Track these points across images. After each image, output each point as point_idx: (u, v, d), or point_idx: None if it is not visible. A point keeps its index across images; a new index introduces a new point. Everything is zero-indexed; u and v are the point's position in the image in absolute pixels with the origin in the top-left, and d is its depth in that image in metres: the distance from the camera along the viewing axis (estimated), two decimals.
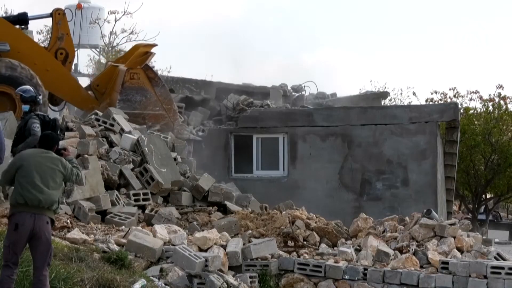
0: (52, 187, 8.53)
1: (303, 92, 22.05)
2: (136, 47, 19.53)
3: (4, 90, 16.85)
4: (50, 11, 18.35)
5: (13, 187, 8.69)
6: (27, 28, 18.45)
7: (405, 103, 31.04)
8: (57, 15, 18.23)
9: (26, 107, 12.19)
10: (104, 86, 18.72)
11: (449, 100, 28.02)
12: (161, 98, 18.51)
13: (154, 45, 19.83)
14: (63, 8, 18.62)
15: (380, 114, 18.18)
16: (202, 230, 13.34)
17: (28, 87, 12.75)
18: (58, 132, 12.57)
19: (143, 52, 19.01)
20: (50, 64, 17.98)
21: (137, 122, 18.11)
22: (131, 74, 18.23)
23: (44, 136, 8.98)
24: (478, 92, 28.06)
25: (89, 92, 19.01)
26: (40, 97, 12.37)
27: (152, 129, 18.06)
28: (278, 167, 18.70)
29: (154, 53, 19.41)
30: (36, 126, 11.79)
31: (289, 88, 22.28)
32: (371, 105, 20.54)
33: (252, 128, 18.75)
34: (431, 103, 27.49)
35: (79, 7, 31.03)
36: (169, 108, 18.63)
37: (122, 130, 17.01)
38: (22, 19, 18.16)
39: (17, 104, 16.86)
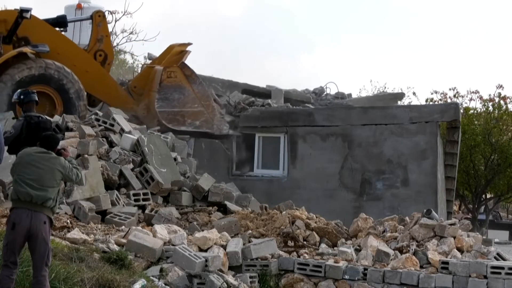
0: (47, 185, 8.55)
1: (325, 93, 22.05)
2: (170, 47, 19.54)
3: (41, 90, 16.96)
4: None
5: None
6: (66, 30, 18.65)
7: (405, 103, 31.01)
8: (97, 17, 18.55)
9: (22, 110, 12.30)
10: (142, 87, 18.79)
11: (449, 100, 28.02)
12: (199, 95, 18.62)
13: (189, 44, 19.83)
14: (102, 10, 18.95)
15: (381, 114, 18.16)
16: (202, 230, 13.34)
17: (16, 91, 12.84)
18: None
19: (178, 51, 19.06)
20: (89, 65, 18.17)
21: (176, 120, 18.25)
22: (168, 73, 18.39)
23: (45, 137, 9.01)
24: (478, 92, 28.08)
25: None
26: (22, 96, 12.39)
27: (192, 126, 18.27)
28: (277, 167, 18.71)
29: (190, 51, 19.39)
30: (10, 131, 11.87)
31: (311, 91, 22.24)
32: (387, 105, 20.47)
33: (252, 127, 18.74)
34: (431, 103, 27.48)
35: (79, 7, 31.02)
36: (208, 105, 18.72)
37: (122, 130, 17.01)
38: (61, 22, 18.35)
39: (56, 102, 17.08)
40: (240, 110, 19.02)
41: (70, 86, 17.33)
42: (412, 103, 30.50)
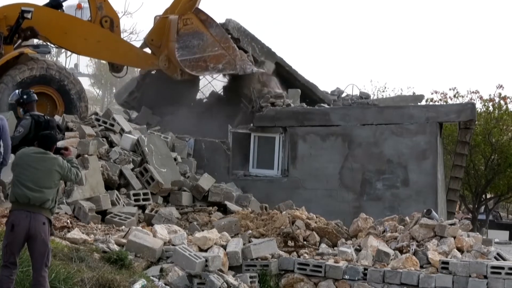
0: (45, 186, 8.52)
1: (346, 94, 21.94)
2: None
3: (42, 91, 16.95)
4: None
5: None
6: (63, 10, 18.49)
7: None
8: None
9: (22, 110, 12.28)
10: (159, 39, 18.64)
11: (449, 101, 28.03)
12: (218, 38, 18.55)
13: None
14: None
15: (397, 114, 18.08)
16: (202, 230, 13.34)
17: (15, 91, 12.82)
18: (56, 132, 12.58)
19: None
20: (99, 35, 18.07)
21: (199, 66, 18.22)
22: (184, 21, 18.32)
23: (42, 136, 8.99)
24: (478, 92, 28.07)
25: (145, 50, 19.01)
26: (25, 96, 12.38)
27: (215, 70, 18.35)
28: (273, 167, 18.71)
29: None
30: (19, 131, 11.84)
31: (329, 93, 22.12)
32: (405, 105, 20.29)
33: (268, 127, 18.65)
34: (430, 103, 27.46)
35: (79, 7, 30.98)
36: (228, 46, 18.66)
37: (122, 130, 17.02)
38: (55, 5, 18.17)
39: (57, 103, 17.08)
40: (258, 109, 18.90)
41: (71, 87, 17.33)
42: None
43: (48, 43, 18.36)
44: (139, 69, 22.00)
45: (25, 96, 12.33)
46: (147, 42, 18.90)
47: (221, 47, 18.56)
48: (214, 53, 18.53)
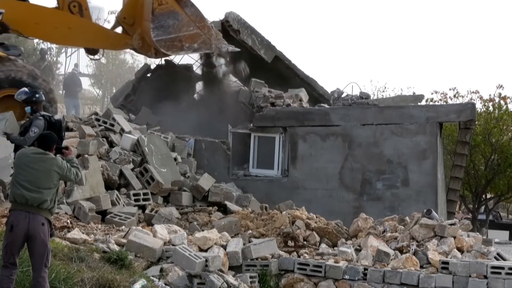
0: (44, 186, 8.51)
1: (346, 94, 21.88)
2: None
3: (10, 93, 16.76)
4: None
5: None
6: (28, 1, 18.28)
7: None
8: None
9: (28, 109, 12.14)
10: (132, 16, 18.41)
11: (449, 101, 27.98)
12: (193, 17, 18.36)
13: None
14: None
15: (397, 114, 18.07)
16: (202, 230, 13.34)
17: (24, 89, 12.66)
18: (63, 133, 12.54)
19: None
20: (69, 21, 17.76)
21: (175, 46, 18.02)
22: (159, 0, 18.04)
23: (42, 136, 8.97)
24: (478, 92, 28.00)
25: (117, 30, 18.78)
26: (37, 95, 12.31)
27: (190, 49, 18.19)
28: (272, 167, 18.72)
29: None
30: (33, 131, 11.71)
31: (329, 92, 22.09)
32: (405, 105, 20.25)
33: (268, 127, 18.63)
34: (430, 103, 27.43)
35: None
36: (203, 26, 18.48)
37: (122, 130, 17.01)
38: None
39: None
40: (258, 108, 18.85)
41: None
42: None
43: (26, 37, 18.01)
44: (134, 74, 21.93)
45: (37, 95, 12.26)
46: (119, 20, 18.57)
47: (196, 27, 18.33)
48: (189, 32, 18.27)
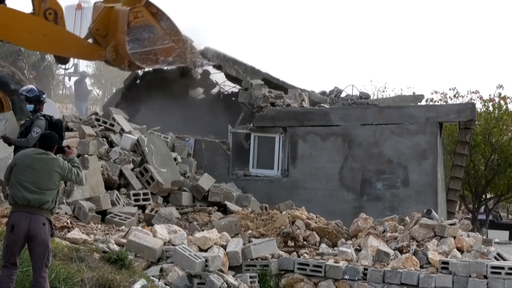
0: (45, 187, 8.47)
1: (346, 94, 21.86)
2: None
3: None
4: None
5: None
6: (5, 4, 18.25)
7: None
8: None
9: (30, 107, 12.07)
10: (105, 29, 18.44)
11: (449, 101, 27.99)
12: (168, 31, 18.46)
13: None
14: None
15: (397, 114, 18.06)
16: (202, 230, 13.34)
17: (31, 86, 12.63)
18: (64, 133, 12.52)
19: None
20: (44, 27, 17.70)
21: (149, 59, 18.08)
22: (135, 13, 18.09)
23: (43, 136, 8.94)
24: (478, 92, 28.01)
25: (90, 40, 18.77)
26: (44, 96, 12.31)
27: (165, 62, 18.22)
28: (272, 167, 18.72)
29: None
30: (36, 131, 11.67)
31: (327, 92, 22.07)
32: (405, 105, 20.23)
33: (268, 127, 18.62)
34: (430, 103, 27.43)
35: (79, 7, 30.95)
36: (178, 39, 18.60)
37: (122, 130, 17.01)
38: None
39: (4, 104, 16.78)
40: (258, 108, 18.85)
41: (17, 88, 16.99)
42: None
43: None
44: (123, 81, 21.90)
45: (44, 95, 12.25)
46: (91, 31, 18.55)
47: (171, 40, 18.44)
48: (165, 46, 18.39)
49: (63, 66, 18.98)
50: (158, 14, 18.48)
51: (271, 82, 20.24)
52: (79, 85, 28.86)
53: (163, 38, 18.39)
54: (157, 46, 18.31)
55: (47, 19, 17.80)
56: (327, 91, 21.89)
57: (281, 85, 20.60)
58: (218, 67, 19.96)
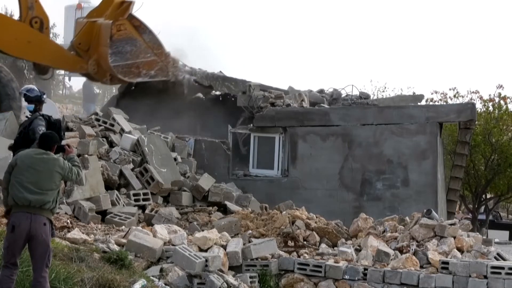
0: (46, 188, 8.45)
1: (346, 94, 21.86)
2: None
3: None
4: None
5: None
6: None
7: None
8: None
9: (30, 107, 12.07)
10: (87, 43, 18.51)
11: (449, 101, 28.02)
12: (150, 44, 18.56)
13: None
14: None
15: (398, 114, 18.07)
16: (202, 230, 13.34)
17: (32, 86, 12.63)
18: (63, 133, 12.52)
19: (119, 3, 18.70)
20: (29, 35, 17.74)
21: (131, 72, 18.11)
22: (118, 26, 18.18)
23: (43, 136, 8.92)
24: (478, 92, 28.05)
25: (72, 52, 18.80)
26: (45, 96, 12.31)
27: (147, 76, 18.21)
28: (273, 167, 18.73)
29: (133, 1, 19.08)
30: (41, 129, 11.68)
31: (326, 92, 22.06)
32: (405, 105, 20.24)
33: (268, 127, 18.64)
34: (430, 103, 27.46)
35: (79, 7, 31.01)
36: (160, 53, 18.69)
37: (122, 130, 17.02)
38: None
39: None
40: (257, 109, 18.85)
41: (4, 83, 17.02)
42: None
43: None
44: (117, 87, 21.94)
45: (44, 96, 12.26)
46: (74, 45, 18.63)
47: (153, 54, 18.56)
48: (147, 59, 18.52)
49: (43, 76, 18.88)
50: (141, 27, 18.59)
51: (265, 91, 20.36)
52: (87, 88, 29.05)
53: (145, 51, 18.52)
54: (140, 60, 18.41)
55: (32, 27, 17.84)
56: (325, 90, 21.92)
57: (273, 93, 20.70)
58: (208, 87, 20.04)
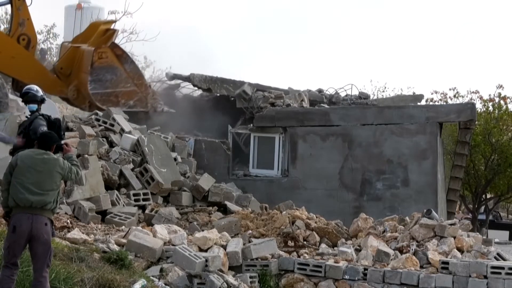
0: (47, 188, 8.44)
1: (346, 94, 21.82)
2: (95, 26, 19.21)
3: None
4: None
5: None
6: None
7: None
8: (17, 1, 17.85)
9: (33, 107, 12.04)
10: (69, 68, 18.47)
11: (449, 101, 28.01)
12: (131, 74, 18.58)
13: (114, 21, 19.82)
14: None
15: (397, 114, 18.07)
16: (202, 230, 13.34)
17: (36, 86, 12.65)
18: (63, 133, 12.51)
19: (104, 30, 18.69)
20: (14, 50, 17.71)
21: (110, 101, 18.08)
22: (99, 54, 18.16)
23: (42, 136, 8.92)
24: (478, 92, 28.04)
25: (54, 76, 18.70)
26: (45, 96, 12.33)
27: (126, 105, 18.19)
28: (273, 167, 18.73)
29: (118, 30, 19.23)
30: (42, 129, 11.66)
31: (325, 92, 22.03)
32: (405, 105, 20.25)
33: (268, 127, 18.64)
34: (430, 103, 27.45)
35: (79, 7, 30.96)
36: (140, 83, 18.71)
37: (122, 130, 17.01)
38: None
39: None
40: (257, 109, 18.84)
41: None
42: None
43: None
44: None
45: (45, 96, 12.27)
46: (56, 69, 18.57)
47: (133, 84, 18.56)
48: (127, 89, 18.50)
49: (18, 94, 18.88)
50: (123, 56, 18.62)
51: (264, 91, 20.37)
52: None
53: (125, 81, 18.54)
54: (119, 89, 18.41)
55: (18, 43, 17.82)
56: (324, 90, 21.91)
57: (271, 93, 20.70)
58: (207, 90, 20.05)
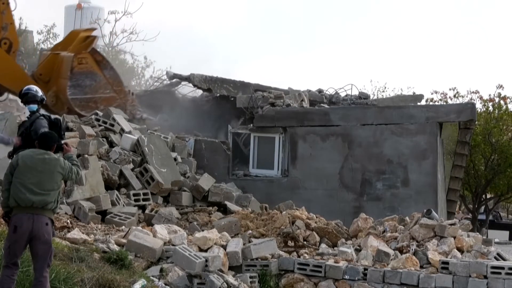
0: (48, 188, 8.45)
1: (346, 94, 21.81)
2: (75, 33, 19.25)
3: None
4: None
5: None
6: None
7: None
8: (1, 5, 17.85)
9: (34, 107, 12.04)
10: (48, 74, 18.46)
11: (449, 101, 28.00)
12: (111, 81, 18.58)
13: (94, 29, 19.84)
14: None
15: (398, 114, 18.07)
16: (202, 230, 13.34)
17: (35, 87, 12.64)
18: (63, 132, 12.51)
19: (84, 37, 18.70)
20: None
21: (89, 106, 18.06)
22: (79, 59, 18.16)
23: (42, 136, 8.92)
24: (478, 92, 28.02)
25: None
26: (45, 97, 12.33)
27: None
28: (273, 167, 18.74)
29: (98, 36, 19.18)
30: (44, 130, 11.65)
31: (325, 92, 22.03)
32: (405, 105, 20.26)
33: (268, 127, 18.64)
34: (430, 103, 27.45)
35: (79, 7, 31.02)
36: (120, 90, 18.72)
37: (122, 130, 17.01)
38: None
39: None
40: (257, 109, 18.84)
41: None
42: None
43: None
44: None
45: (44, 97, 12.27)
46: (35, 76, 18.54)
47: (113, 90, 18.57)
48: (106, 95, 18.49)
49: None
50: (102, 62, 18.63)
51: (261, 91, 20.38)
52: None
53: (105, 87, 18.53)
54: (98, 95, 18.40)
55: (0, 47, 17.82)
56: (324, 90, 21.91)
57: (272, 93, 20.70)
58: (207, 90, 20.04)
